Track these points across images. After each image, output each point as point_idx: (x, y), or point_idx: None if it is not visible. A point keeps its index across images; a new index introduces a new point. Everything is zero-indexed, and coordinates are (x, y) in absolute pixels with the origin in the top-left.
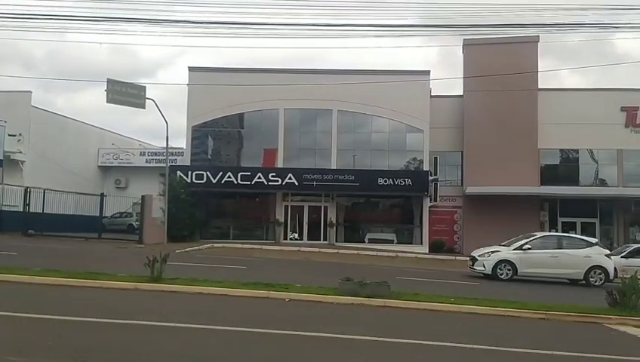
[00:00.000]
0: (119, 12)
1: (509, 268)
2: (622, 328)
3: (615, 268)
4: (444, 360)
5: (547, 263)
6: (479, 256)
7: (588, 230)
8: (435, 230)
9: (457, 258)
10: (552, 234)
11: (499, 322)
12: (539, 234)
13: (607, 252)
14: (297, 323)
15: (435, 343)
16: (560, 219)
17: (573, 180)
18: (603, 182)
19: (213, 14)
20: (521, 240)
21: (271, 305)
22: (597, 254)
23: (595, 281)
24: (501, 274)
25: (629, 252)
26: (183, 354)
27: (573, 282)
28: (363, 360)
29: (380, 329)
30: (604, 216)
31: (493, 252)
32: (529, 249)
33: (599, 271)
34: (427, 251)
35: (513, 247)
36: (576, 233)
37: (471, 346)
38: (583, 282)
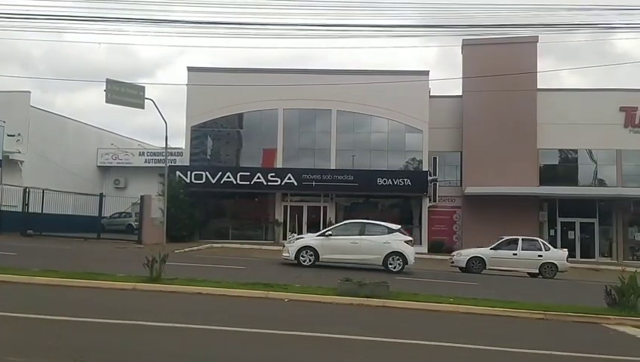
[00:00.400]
0: (118, 12)
1: (312, 254)
2: (620, 328)
3: (484, 259)
4: (441, 360)
5: (348, 249)
6: (287, 242)
7: (587, 230)
8: (434, 230)
9: None
10: (355, 221)
11: (497, 322)
12: (345, 222)
13: (408, 238)
14: (296, 324)
15: (431, 343)
16: (559, 219)
17: (573, 180)
18: (602, 183)
19: (212, 14)
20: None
21: (270, 306)
22: (396, 241)
23: (394, 267)
24: (304, 261)
25: (498, 244)
26: (183, 355)
27: (388, 270)
28: (359, 360)
29: (378, 329)
30: (603, 216)
31: (298, 238)
32: (331, 235)
33: (398, 257)
34: (426, 251)
35: (317, 234)
36: (575, 233)
37: (468, 346)
38: (383, 268)
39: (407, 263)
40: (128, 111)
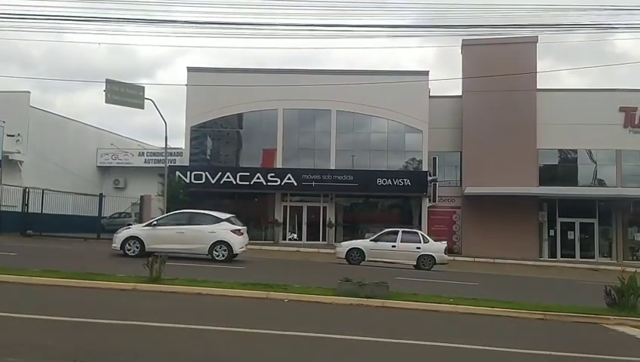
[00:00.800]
0: (118, 12)
1: (137, 244)
2: (620, 328)
3: (363, 251)
4: (438, 360)
5: (174, 239)
6: (116, 233)
7: (587, 230)
8: (433, 230)
9: (456, 258)
10: (184, 211)
11: (497, 322)
12: (174, 211)
13: (237, 227)
14: (295, 324)
15: (430, 343)
16: (559, 220)
17: (572, 180)
18: (601, 183)
19: (212, 14)
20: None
21: (270, 306)
22: (223, 230)
23: (219, 256)
24: (129, 251)
25: (379, 235)
26: (183, 355)
27: (214, 259)
28: (356, 360)
29: (377, 329)
30: (603, 217)
31: (125, 229)
32: (157, 225)
33: (223, 246)
34: None
35: (144, 224)
36: (575, 234)
37: (465, 346)
38: (209, 257)
39: (232, 252)
40: (128, 111)
